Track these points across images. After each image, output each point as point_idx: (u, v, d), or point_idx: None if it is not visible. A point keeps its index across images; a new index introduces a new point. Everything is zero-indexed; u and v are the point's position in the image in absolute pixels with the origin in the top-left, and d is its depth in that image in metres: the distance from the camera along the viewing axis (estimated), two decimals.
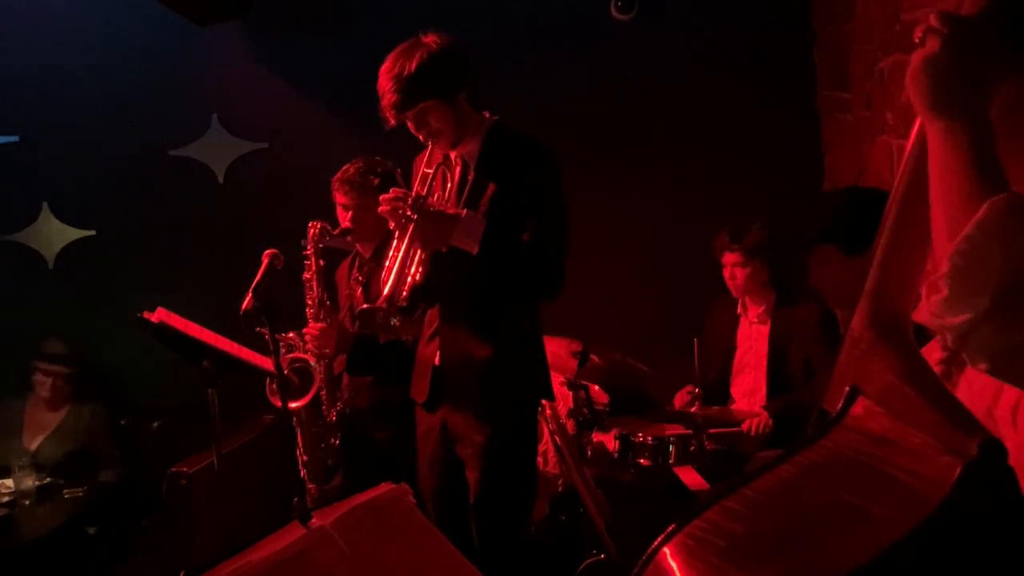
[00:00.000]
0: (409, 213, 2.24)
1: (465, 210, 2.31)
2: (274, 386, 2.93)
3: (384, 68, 2.34)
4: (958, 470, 0.80)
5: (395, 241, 2.31)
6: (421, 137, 2.41)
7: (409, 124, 2.38)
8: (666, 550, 0.93)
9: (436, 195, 2.37)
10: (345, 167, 3.04)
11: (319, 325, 2.83)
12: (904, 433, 0.89)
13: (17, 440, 4.01)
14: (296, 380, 2.93)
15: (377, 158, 3.07)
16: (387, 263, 2.30)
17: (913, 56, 0.95)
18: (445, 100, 2.34)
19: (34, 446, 3.98)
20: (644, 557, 0.93)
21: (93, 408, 4.13)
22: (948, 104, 0.91)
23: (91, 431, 4.06)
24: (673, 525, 0.94)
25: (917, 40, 0.95)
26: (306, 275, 2.89)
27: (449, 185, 2.44)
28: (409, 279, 2.28)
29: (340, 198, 3.00)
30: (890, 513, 0.82)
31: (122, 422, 4.35)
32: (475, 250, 2.27)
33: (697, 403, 3.39)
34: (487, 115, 2.48)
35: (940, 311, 0.83)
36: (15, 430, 4.06)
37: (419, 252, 2.30)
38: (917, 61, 0.94)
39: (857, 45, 3.66)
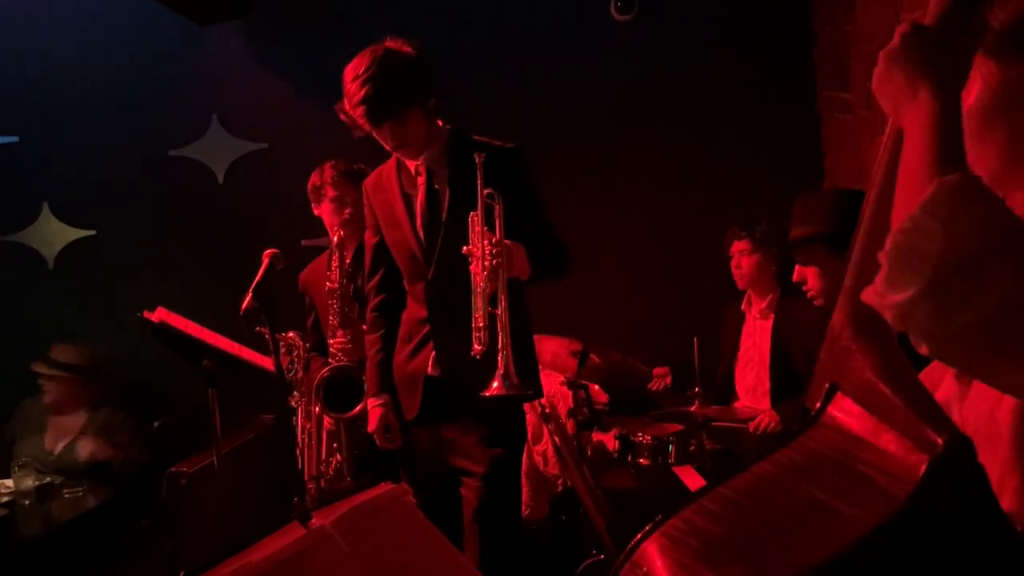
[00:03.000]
0: (500, 260, 2.20)
1: (512, 242, 2.28)
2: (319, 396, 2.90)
3: (356, 74, 2.29)
4: (924, 467, 0.80)
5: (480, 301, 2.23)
6: (391, 146, 2.39)
7: (378, 133, 2.34)
8: (644, 547, 0.94)
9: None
10: (332, 164, 3.07)
11: (347, 333, 2.87)
12: (878, 431, 0.89)
13: (39, 440, 3.97)
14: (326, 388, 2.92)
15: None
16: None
17: (879, 57, 0.98)
18: (424, 107, 2.33)
19: (58, 450, 3.94)
20: (623, 554, 0.95)
21: (112, 414, 4.00)
22: (910, 95, 0.92)
23: (112, 438, 3.94)
24: (650, 524, 0.95)
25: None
26: (330, 285, 2.89)
27: (420, 197, 2.44)
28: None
29: (337, 191, 3.01)
30: (858, 511, 0.83)
31: None
32: (529, 273, 2.31)
33: (697, 402, 3.39)
34: (440, 122, 2.47)
35: (881, 289, 0.82)
36: (37, 430, 4.00)
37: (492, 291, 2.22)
38: (880, 65, 0.97)
39: (857, 45, 3.65)
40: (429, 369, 2.45)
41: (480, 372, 2.24)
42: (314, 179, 3.10)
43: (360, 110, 2.27)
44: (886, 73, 0.96)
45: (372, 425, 2.51)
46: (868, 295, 0.85)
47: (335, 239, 2.91)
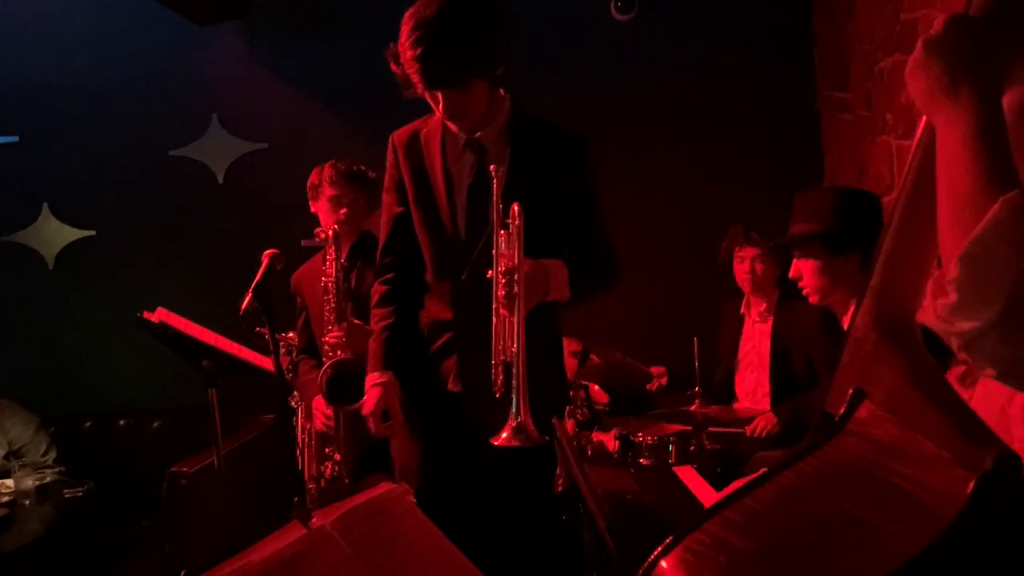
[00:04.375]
0: (515, 289, 1.90)
1: (551, 261, 2.02)
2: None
3: (417, 20, 1.88)
4: (971, 485, 0.76)
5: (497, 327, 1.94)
6: (443, 115, 2.03)
7: (430, 96, 1.99)
8: (663, 563, 0.89)
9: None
10: (332, 163, 3.06)
11: (342, 328, 2.82)
12: (912, 441, 0.85)
13: None
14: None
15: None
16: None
17: (919, 46, 0.91)
18: (489, 77, 1.98)
19: None
20: (641, 570, 0.90)
21: (9, 407, 3.92)
22: (950, 93, 0.87)
23: (9, 432, 3.87)
24: (671, 537, 0.90)
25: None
26: (325, 280, 2.89)
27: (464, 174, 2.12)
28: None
29: (334, 190, 2.99)
30: (900, 529, 0.79)
31: (121, 422, 4.35)
32: (568, 296, 2.05)
33: (698, 402, 3.39)
34: (501, 92, 2.12)
35: (947, 316, 0.79)
36: None
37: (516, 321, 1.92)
38: (916, 54, 0.91)
39: (857, 45, 3.65)
40: (450, 384, 2.16)
41: (506, 397, 1.92)
42: (313, 177, 3.10)
43: (415, 67, 1.90)
44: (924, 65, 0.89)
45: (368, 406, 2.12)
46: (928, 318, 0.82)
47: (330, 233, 2.90)
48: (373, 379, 2.16)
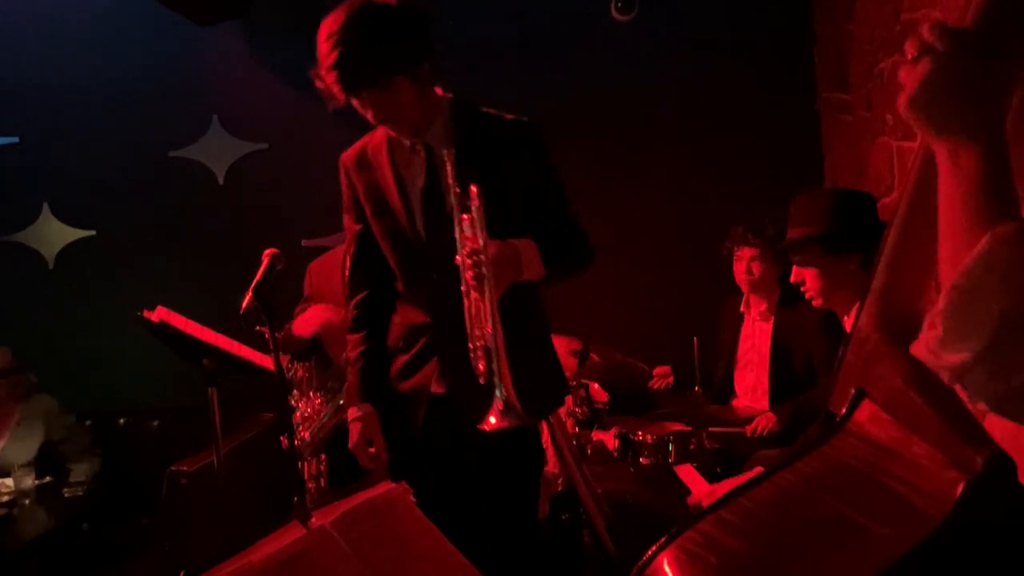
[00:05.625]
0: (483, 270, 1.87)
1: (520, 240, 2.01)
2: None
3: (329, 32, 1.89)
4: (960, 487, 0.76)
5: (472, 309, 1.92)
6: (374, 119, 2.03)
7: (357, 103, 1.98)
8: (659, 560, 0.90)
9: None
10: None
11: None
12: (909, 443, 0.85)
13: None
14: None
15: None
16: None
17: (906, 75, 0.86)
18: (412, 74, 1.96)
19: None
20: (637, 567, 0.91)
21: (40, 402, 3.93)
22: (952, 127, 0.81)
23: (49, 425, 3.89)
24: (666, 536, 0.91)
25: (910, 57, 0.85)
26: None
27: (418, 179, 2.11)
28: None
29: None
30: (890, 531, 0.79)
31: (121, 422, 4.35)
32: (543, 273, 2.04)
33: (697, 401, 3.40)
34: (439, 91, 2.11)
35: (936, 349, 0.78)
36: None
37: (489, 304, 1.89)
38: (912, 84, 0.85)
39: (857, 45, 3.65)
40: (433, 386, 2.14)
41: (490, 385, 1.89)
42: None
43: (332, 75, 1.90)
44: (922, 97, 0.84)
45: (352, 440, 2.17)
46: (919, 350, 0.80)
47: None
48: (353, 414, 2.20)
